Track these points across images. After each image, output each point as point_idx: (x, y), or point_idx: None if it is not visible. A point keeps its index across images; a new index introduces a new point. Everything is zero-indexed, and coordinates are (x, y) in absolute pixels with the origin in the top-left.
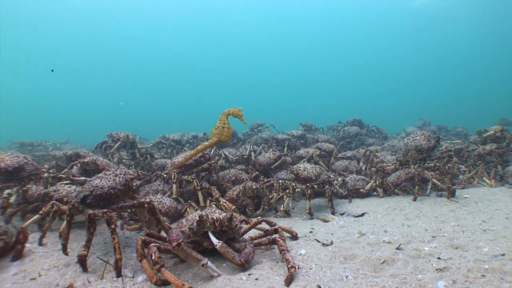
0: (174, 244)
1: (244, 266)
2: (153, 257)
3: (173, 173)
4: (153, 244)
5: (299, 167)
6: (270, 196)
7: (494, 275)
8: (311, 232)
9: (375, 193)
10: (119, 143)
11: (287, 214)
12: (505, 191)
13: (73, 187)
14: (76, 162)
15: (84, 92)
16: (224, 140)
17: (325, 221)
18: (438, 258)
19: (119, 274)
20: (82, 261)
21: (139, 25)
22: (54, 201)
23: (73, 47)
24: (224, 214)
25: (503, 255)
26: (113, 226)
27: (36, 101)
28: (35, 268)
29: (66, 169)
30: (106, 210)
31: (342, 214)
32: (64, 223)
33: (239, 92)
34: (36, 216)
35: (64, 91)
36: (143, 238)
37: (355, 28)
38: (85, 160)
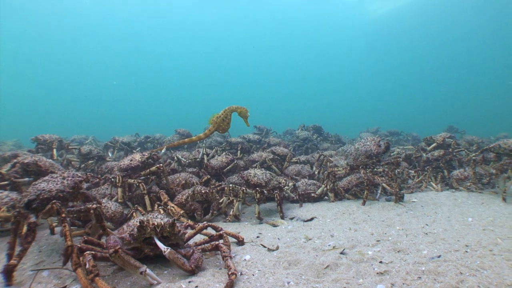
0: (111, 251)
1: (194, 272)
2: (87, 266)
3: (118, 177)
4: (88, 252)
5: (250, 173)
6: (220, 201)
7: (429, 276)
8: (258, 237)
9: (326, 197)
10: (55, 147)
11: (236, 218)
12: (449, 195)
13: (5, 192)
14: (16, 161)
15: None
16: (220, 132)
17: (274, 225)
18: (380, 262)
19: (66, 262)
20: (9, 272)
21: (135, 26)
22: None
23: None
24: (166, 220)
25: (439, 256)
26: (63, 215)
27: (30, 101)
28: None
29: (8, 167)
30: (54, 201)
31: (291, 219)
32: None
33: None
34: None
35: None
36: (80, 245)
37: (311, 37)
38: (26, 161)
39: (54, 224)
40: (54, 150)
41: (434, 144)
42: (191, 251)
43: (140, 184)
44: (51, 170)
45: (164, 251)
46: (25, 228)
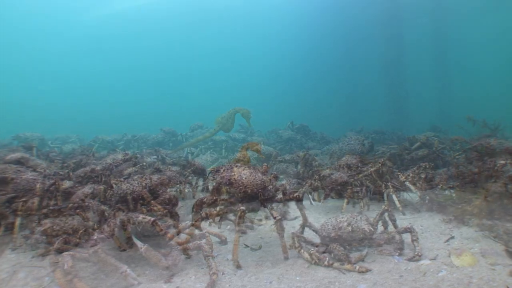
0: (91, 251)
1: (171, 269)
2: (65, 267)
3: (100, 176)
4: (66, 252)
5: (233, 172)
6: (204, 200)
7: (410, 275)
8: (241, 236)
9: (311, 196)
10: (35, 145)
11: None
12: (433, 193)
13: None
14: None
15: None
16: (224, 131)
17: (258, 225)
18: (363, 260)
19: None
20: None
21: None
22: None
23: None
24: (148, 218)
25: (420, 255)
26: (44, 211)
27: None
28: None
29: None
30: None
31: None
32: None
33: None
34: None
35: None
36: (59, 246)
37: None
38: (8, 158)
39: (34, 225)
40: (34, 148)
41: (418, 144)
42: (171, 249)
43: (123, 183)
44: (34, 168)
45: (141, 248)
46: (2, 229)
